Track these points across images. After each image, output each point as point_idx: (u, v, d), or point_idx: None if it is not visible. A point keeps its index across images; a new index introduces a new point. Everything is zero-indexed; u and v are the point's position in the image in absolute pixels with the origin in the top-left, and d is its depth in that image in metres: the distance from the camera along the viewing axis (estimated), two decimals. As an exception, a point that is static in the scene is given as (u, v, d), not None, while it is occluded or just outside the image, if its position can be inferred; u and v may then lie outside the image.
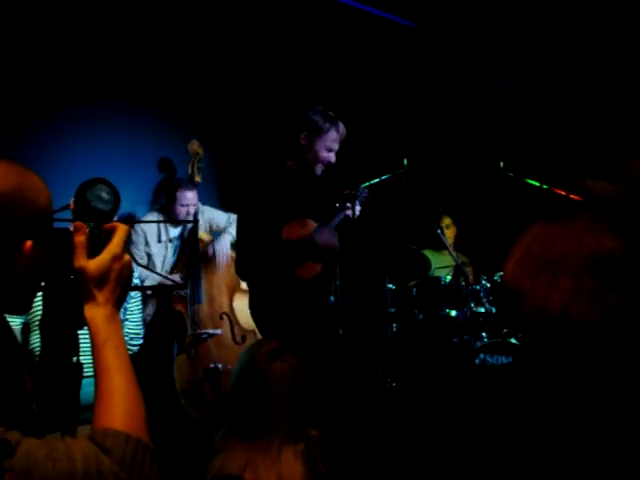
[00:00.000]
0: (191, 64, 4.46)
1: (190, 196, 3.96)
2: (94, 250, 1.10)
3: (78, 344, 1.16)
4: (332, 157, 3.05)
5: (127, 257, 1.12)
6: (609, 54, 4.13)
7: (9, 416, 0.98)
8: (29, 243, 1.04)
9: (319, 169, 3.06)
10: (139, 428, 0.99)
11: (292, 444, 1.67)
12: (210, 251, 3.88)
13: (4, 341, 1.15)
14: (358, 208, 3.19)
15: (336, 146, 3.05)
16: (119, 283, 1.10)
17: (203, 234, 4.00)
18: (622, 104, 4.07)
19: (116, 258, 1.10)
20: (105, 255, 1.09)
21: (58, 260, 1.10)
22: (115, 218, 3.39)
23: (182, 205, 3.94)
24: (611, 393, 0.95)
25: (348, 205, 3.16)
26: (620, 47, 4.04)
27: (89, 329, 1.07)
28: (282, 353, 1.77)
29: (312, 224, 3.01)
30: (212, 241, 3.92)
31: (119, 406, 1.00)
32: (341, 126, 3.06)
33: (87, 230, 1.10)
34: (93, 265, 1.08)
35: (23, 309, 1.16)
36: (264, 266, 2.88)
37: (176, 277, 3.75)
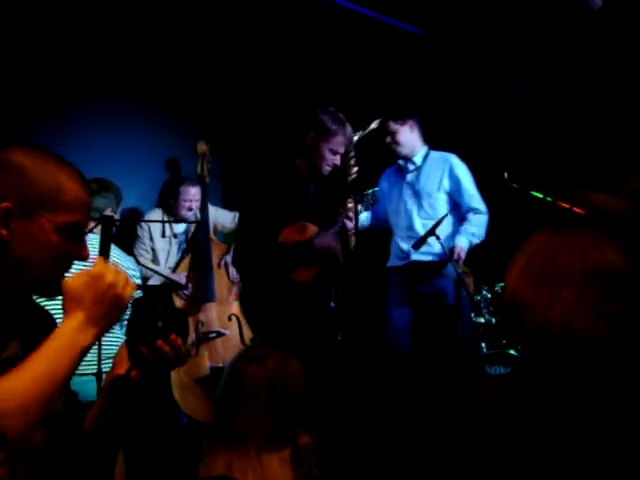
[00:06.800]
0: (197, 65, 4.47)
1: (193, 191, 3.97)
2: None
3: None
4: (337, 160, 3.03)
5: (111, 277, 1.11)
6: (615, 68, 4.12)
7: None
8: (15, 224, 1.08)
9: (325, 170, 3.04)
10: (8, 408, 0.97)
11: (274, 450, 1.63)
12: (224, 261, 3.89)
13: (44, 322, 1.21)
14: (365, 215, 3.17)
15: (342, 149, 3.03)
16: (97, 301, 1.10)
17: (217, 242, 4.00)
18: (626, 117, 4.06)
19: (96, 278, 1.11)
20: (83, 275, 1.12)
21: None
22: (119, 209, 3.41)
23: (185, 200, 3.96)
24: (612, 405, 0.95)
25: (350, 215, 3.10)
26: (626, 61, 4.04)
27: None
28: (262, 357, 1.73)
29: (313, 229, 3.01)
30: (228, 251, 3.91)
31: (9, 379, 0.99)
32: (349, 129, 3.03)
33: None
34: (70, 282, 1.11)
35: (48, 293, 1.19)
36: (257, 265, 2.89)
37: (181, 277, 3.73)
